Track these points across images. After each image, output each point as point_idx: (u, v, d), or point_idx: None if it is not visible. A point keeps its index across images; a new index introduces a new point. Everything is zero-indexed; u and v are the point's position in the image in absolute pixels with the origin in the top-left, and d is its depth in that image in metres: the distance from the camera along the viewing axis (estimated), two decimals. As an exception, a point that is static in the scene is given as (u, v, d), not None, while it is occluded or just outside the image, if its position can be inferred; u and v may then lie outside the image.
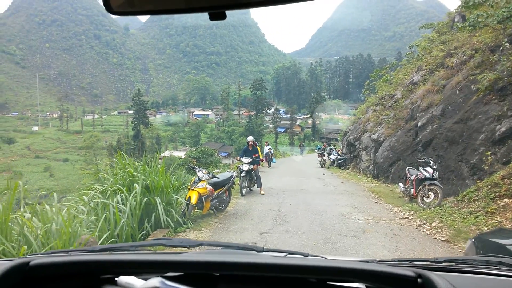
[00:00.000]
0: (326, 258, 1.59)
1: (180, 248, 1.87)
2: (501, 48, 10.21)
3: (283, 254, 1.67)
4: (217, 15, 1.07)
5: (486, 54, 11.35)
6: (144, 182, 7.25)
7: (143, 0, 1.16)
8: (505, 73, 9.75)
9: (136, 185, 7.02)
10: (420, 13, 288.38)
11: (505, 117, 9.34)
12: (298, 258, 1.54)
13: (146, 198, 7.03)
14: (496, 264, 1.62)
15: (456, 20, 16.62)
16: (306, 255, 1.67)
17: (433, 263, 1.62)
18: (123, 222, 6.49)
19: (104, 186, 7.47)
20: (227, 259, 1.28)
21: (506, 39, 10.21)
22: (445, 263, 1.61)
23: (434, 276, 1.15)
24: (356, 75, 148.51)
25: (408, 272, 1.17)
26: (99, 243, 5.80)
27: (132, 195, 6.89)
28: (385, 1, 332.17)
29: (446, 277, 1.38)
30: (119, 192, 7.04)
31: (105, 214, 6.52)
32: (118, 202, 6.76)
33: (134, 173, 7.58)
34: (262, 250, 1.70)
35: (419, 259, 1.66)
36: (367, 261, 1.52)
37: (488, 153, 9.45)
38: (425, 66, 18.54)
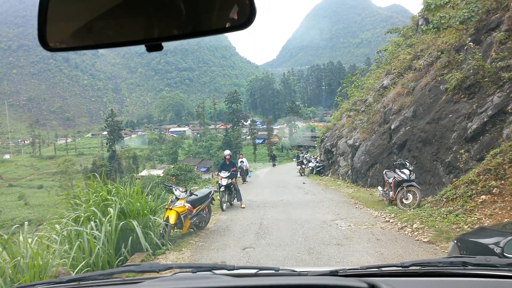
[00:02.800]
0: (295, 271, 1.68)
1: (150, 273, 1.86)
2: (465, 47, 10.48)
3: (254, 271, 1.71)
4: (154, 46, 1.13)
5: (451, 54, 11.65)
6: (119, 206, 7.00)
7: (80, 36, 1.17)
8: (471, 71, 10.00)
9: (111, 209, 6.77)
10: (385, 18, 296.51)
11: (475, 114, 9.55)
12: (268, 274, 1.67)
13: (122, 222, 6.77)
14: (459, 265, 1.66)
15: (420, 23, 17.05)
16: (277, 269, 1.70)
17: (400, 268, 1.65)
18: (98, 249, 6.23)
19: (76, 213, 7.18)
20: (194, 285, 1.30)
21: (469, 39, 10.51)
22: (411, 268, 1.65)
23: (384, 286, 1.23)
24: (329, 82, 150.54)
25: (360, 283, 1.24)
26: (74, 273, 5.55)
27: (106, 220, 6.63)
28: (351, 9, 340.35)
29: (410, 282, 1.55)
30: (93, 218, 6.78)
31: (78, 242, 6.25)
32: (92, 229, 6.49)
33: (108, 196, 7.32)
34: (233, 268, 1.72)
35: (387, 265, 1.71)
36: (336, 271, 1.60)
37: (462, 151, 9.62)
38: (394, 69, 18.92)
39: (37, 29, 1.16)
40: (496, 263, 1.66)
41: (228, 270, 1.72)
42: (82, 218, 6.82)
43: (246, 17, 1.07)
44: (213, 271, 1.73)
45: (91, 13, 1.12)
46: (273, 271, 1.70)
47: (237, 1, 1.08)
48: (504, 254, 3.09)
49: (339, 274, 1.60)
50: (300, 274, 1.66)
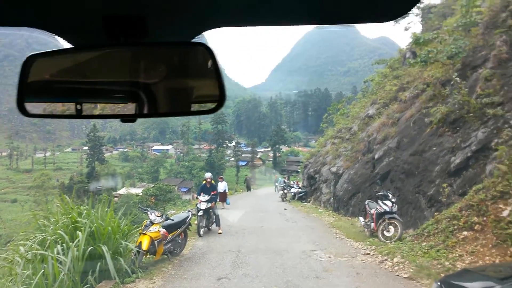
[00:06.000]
0: None
1: None
2: (451, 82, 10.60)
3: None
4: (129, 119, 1.24)
5: (437, 88, 11.77)
6: (89, 229, 6.63)
7: (55, 109, 1.24)
8: (456, 106, 10.07)
9: (79, 233, 6.39)
10: (373, 49, 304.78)
11: (459, 149, 9.55)
12: None
13: (90, 247, 6.40)
14: None
15: (407, 56, 17.37)
16: None
17: None
18: (63, 276, 5.83)
19: (44, 235, 6.77)
20: None
21: (456, 74, 10.63)
22: None
23: None
24: (315, 108, 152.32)
25: None
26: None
27: (74, 244, 6.25)
28: (340, 38, 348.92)
29: None
30: (60, 242, 6.39)
31: (43, 268, 5.86)
32: (58, 253, 6.10)
33: (78, 218, 6.94)
34: None
35: None
36: None
37: (445, 184, 9.56)
38: (380, 99, 19.10)
39: (16, 94, 1.23)
40: None
41: None
42: (49, 241, 6.44)
43: (217, 101, 1.14)
44: None
45: (70, 85, 1.19)
46: None
47: (210, 88, 1.12)
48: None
49: None
50: None
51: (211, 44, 1.14)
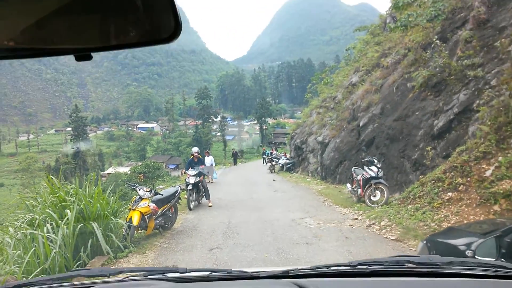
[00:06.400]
0: (247, 272, 1.74)
1: (100, 277, 1.86)
2: (432, 45, 10.62)
3: (206, 273, 1.76)
4: (83, 56, 1.16)
5: (418, 52, 11.79)
6: (78, 207, 6.60)
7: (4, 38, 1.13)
8: (438, 69, 10.13)
9: (68, 211, 6.37)
10: (353, 17, 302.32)
11: (441, 112, 9.67)
12: (220, 277, 1.73)
13: (80, 225, 6.39)
14: (405, 264, 1.73)
15: (388, 21, 17.27)
16: (229, 271, 1.75)
17: (348, 267, 1.71)
18: (54, 254, 5.84)
19: (32, 215, 6.73)
20: None
21: (436, 37, 10.64)
22: (358, 267, 1.70)
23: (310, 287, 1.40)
24: (299, 79, 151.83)
25: (290, 286, 1.41)
26: (29, 279, 5.16)
27: (63, 222, 6.23)
28: (320, 6, 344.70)
29: (354, 282, 1.64)
30: (49, 221, 6.36)
31: (33, 247, 5.84)
32: (48, 232, 6.09)
33: (66, 197, 6.90)
34: (185, 271, 1.75)
35: (335, 264, 1.77)
36: (287, 271, 1.67)
37: (429, 148, 9.72)
38: (362, 67, 19.10)
39: None
40: (438, 261, 1.74)
41: (181, 273, 1.75)
42: (38, 220, 6.40)
43: (171, 31, 1.10)
44: (165, 274, 1.75)
45: (18, 17, 1.09)
46: (225, 273, 1.75)
47: (163, 15, 1.10)
48: (476, 257, 3.02)
49: (290, 274, 1.66)
50: (252, 275, 1.72)
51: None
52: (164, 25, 1.11)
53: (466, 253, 3.08)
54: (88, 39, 1.14)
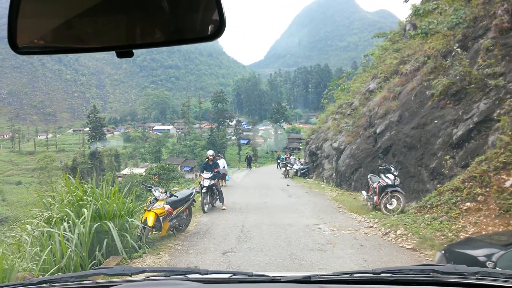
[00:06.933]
0: (268, 276, 1.72)
1: (122, 276, 1.87)
2: (452, 53, 10.47)
3: (228, 276, 1.75)
4: (125, 53, 1.18)
5: (438, 60, 11.63)
6: (94, 206, 6.69)
7: (49, 38, 1.17)
8: (458, 77, 9.97)
9: (85, 210, 6.45)
10: (372, 23, 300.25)
11: (461, 120, 9.51)
12: (241, 280, 1.72)
13: (96, 224, 6.46)
14: (429, 273, 1.69)
15: (407, 28, 17.10)
16: (250, 274, 1.74)
17: (371, 275, 1.68)
18: (70, 252, 5.91)
19: (49, 213, 6.84)
20: None
21: (457, 45, 10.48)
22: (382, 274, 1.67)
23: None
24: (315, 85, 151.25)
25: None
26: (47, 276, 5.24)
27: (80, 221, 6.31)
28: (339, 12, 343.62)
29: None
30: (66, 219, 6.45)
31: (50, 245, 5.93)
32: (65, 230, 6.17)
33: (83, 196, 6.99)
34: (207, 273, 1.75)
35: (359, 271, 1.75)
36: (309, 277, 1.65)
37: (447, 157, 9.56)
38: (380, 74, 18.93)
39: (7, 28, 1.14)
40: (464, 271, 1.69)
41: (202, 274, 1.75)
42: (55, 218, 6.50)
43: (216, 28, 1.11)
44: (187, 275, 1.75)
45: (63, 15, 1.12)
46: (246, 276, 1.74)
47: (208, 14, 1.11)
48: (497, 268, 2.95)
49: (311, 280, 1.64)
50: (273, 279, 1.69)
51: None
52: (209, 23, 1.12)
53: (487, 264, 3.01)
54: (131, 36, 1.15)
